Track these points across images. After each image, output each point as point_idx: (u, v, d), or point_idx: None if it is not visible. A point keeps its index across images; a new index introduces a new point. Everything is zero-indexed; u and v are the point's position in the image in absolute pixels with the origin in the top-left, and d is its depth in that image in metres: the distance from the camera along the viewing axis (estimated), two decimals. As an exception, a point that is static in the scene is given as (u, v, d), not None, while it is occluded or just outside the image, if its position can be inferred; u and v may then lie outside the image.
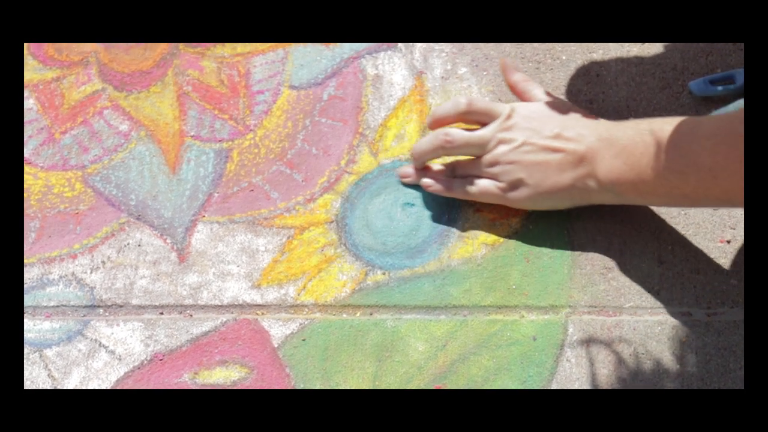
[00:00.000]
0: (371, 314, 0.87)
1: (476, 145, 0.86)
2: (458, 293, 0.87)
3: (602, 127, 0.83)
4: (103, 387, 0.85)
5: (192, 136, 0.96)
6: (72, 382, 0.85)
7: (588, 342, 0.83)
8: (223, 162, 0.95)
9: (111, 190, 0.94)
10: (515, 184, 0.84)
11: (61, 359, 0.86)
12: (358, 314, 0.87)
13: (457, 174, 0.90)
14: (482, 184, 0.86)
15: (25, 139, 0.97)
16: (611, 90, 0.95)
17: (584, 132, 0.83)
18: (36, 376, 0.86)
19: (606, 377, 0.82)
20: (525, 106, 0.87)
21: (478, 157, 0.87)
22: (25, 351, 0.87)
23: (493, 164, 0.85)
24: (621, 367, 0.82)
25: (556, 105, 0.86)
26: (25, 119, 0.98)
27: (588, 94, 0.95)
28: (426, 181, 0.89)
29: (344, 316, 0.87)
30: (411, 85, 0.98)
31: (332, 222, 0.91)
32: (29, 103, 0.99)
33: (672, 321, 0.83)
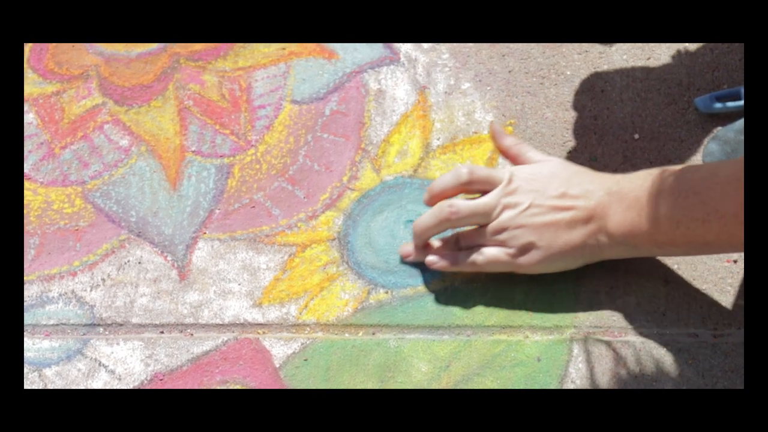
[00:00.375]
0: (374, 334, 0.87)
1: (482, 213, 0.84)
2: (462, 313, 0.86)
3: (610, 180, 0.82)
4: (103, 407, 0.85)
5: (193, 152, 0.96)
6: (71, 402, 0.85)
7: (593, 363, 0.83)
8: (224, 178, 0.94)
9: (111, 206, 0.94)
10: (525, 248, 0.83)
11: (60, 379, 0.86)
12: (360, 334, 0.87)
13: (462, 246, 0.87)
14: (490, 253, 0.84)
15: (24, 155, 0.97)
16: (616, 106, 0.94)
17: (591, 187, 0.82)
18: (35, 396, 0.85)
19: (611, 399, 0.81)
20: (523, 169, 0.85)
21: (483, 226, 0.85)
22: (24, 370, 0.86)
23: (500, 231, 0.83)
24: (626, 390, 0.82)
25: (556, 164, 0.85)
26: (25, 134, 0.98)
27: (592, 110, 0.94)
28: (431, 259, 0.87)
29: (346, 335, 0.87)
30: (414, 100, 0.97)
31: (334, 239, 0.91)
32: (29, 117, 0.99)
33: (678, 342, 0.83)
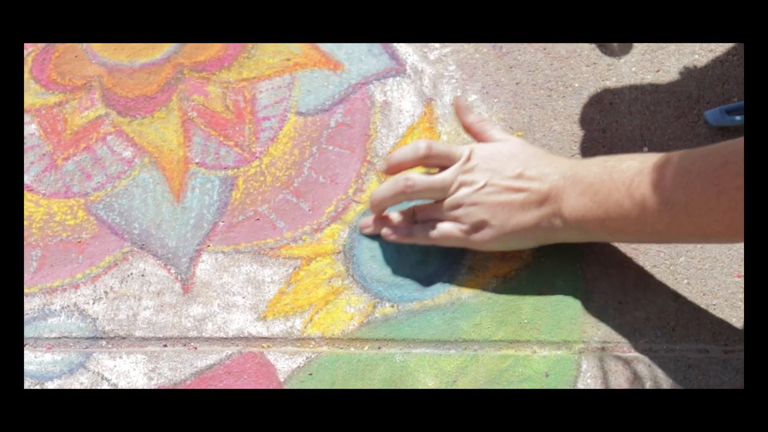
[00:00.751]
0: (379, 348, 0.86)
1: (438, 189, 0.86)
2: (469, 327, 0.86)
3: (566, 165, 0.83)
4: (105, 422, 0.85)
5: (197, 163, 0.96)
6: (73, 417, 0.85)
7: (602, 379, 0.83)
8: (228, 190, 0.95)
9: (114, 218, 0.94)
10: (478, 226, 0.84)
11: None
12: (366, 348, 0.87)
13: (417, 219, 0.89)
14: (444, 228, 0.86)
15: (27, 166, 0.97)
16: (625, 119, 0.95)
17: (547, 171, 0.83)
18: (36, 410, 0.85)
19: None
20: (483, 147, 0.87)
21: (439, 201, 0.87)
22: (27, 384, 0.86)
23: (455, 207, 0.85)
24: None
25: (515, 145, 0.86)
26: (27, 145, 0.98)
27: (601, 123, 0.95)
28: (385, 230, 0.89)
29: (352, 349, 0.87)
30: (420, 112, 0.97)
31: (340, 252, 0.91)
32: (31, 128, 0.99)
33: (688, 358, 0.83)
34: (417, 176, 0.86)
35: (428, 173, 0.87)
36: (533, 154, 0.85)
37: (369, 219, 0.91)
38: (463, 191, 0.84)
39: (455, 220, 0.85)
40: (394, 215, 0.91)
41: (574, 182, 0.81)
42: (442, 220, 0.87)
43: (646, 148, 0.92)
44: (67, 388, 0.86)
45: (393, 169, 0.88)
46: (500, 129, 0.90)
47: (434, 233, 0.87)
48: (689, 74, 0.96)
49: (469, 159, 0.85)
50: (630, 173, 0.77)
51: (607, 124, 0.94)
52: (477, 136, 0.90)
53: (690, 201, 0.73)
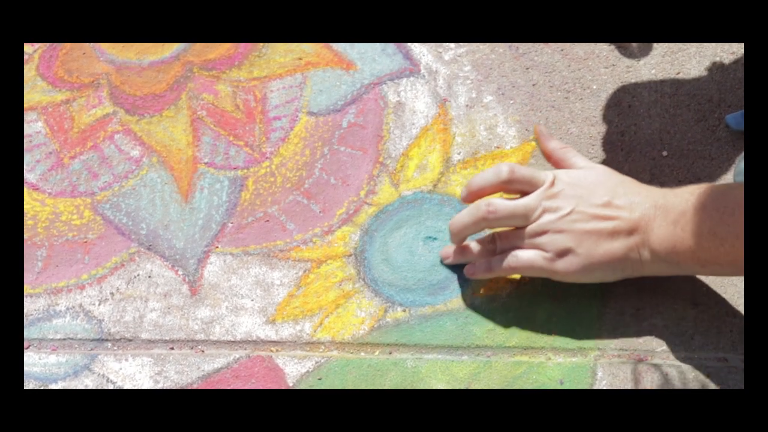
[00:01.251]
0: (390, 353, 0.86)
1: (521, 215, 0.83)
2: (482, 333, 0.86)
3: (657, 193, 0.81)
4: (110, 425, 0.85)
5: (206, 163, 0.96)
6: (77, 420, 0.85)
7: (618, 387, 0.83)
8: (237, 191, 0.95)
9: (121, 218, 0.94)
10: (563, 254, 0.82)
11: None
12: (376, 353, 0.87)
13: (498, 247, 0.86)
14: (527, 256, 0.84)
15: (33, 164, 0.97)
16: (644, 122, 0.94)
17: (636, 199, 0.81)
18: (40, 413, 0.85)
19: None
20: (568, 173, 0.85)
21: (521, 228, 0.84)
22: (31, 386, 0.87)
23: (539, 234, 0.83)
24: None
25: (602, 172, 0.85)
26: (34, 143, 0.98)
27: (619, 126, 0.94)
28: (468, 270, 0.88)
29: (362, 354, 0.87)
30: (434, 113, 0.97)
31: (351, 255, 0.91)
32: (38, 126, 0.99)
33: (707, 367, 0.82)
34: (499, 201, 0.84)
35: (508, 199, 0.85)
36: (620, 181, 0.83)
37: (449, 249, 0.89)
38: (547, 217, 0.82)
39: (538, 247, 0.83)
40: (474, 244, 0.88)
41: (666, 211, 0.79)
42: (523, 248, 0.84)
43: (665, 152, 0.92)
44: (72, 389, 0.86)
45: (473, 196, 0.86)
46: (584, 157, 0.88)
47: (516, 262, 0.84)
48: (710, 77, 0.96)
49: (553, 184, 0.83)
50: (725, 199, 0.75)
51: (626, 127, 0.94)
52: (558, 164, 0.89)
53: None
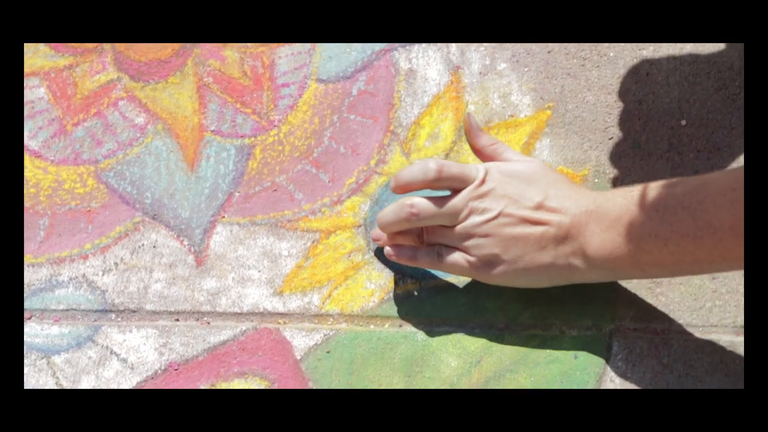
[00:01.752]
0: (400, 326, 0.86)
1: (446, 215, 0.82)
2: (494, 306, 0.86)
3: (588, 198, 0.79)
4: (114, 397, 0.85)
5: (212, 131, 0.95)
6: (81, 392, 0.85)
7: (633, 362, 0.82)
8: (244, 159, 0.94)
9: (125, 187, 0.93)
10: (488, 260, 0.81)
11: (69, 367, 0.86)
12: (386, 326, 0.86)
13: (425, 241, 0.86)
14: (451, 258, 0.83)
15: (35, 131, 0.96)
16: (662, 90, 0.93)
17: (567, 204, 0.79)
18: (43, 385, 0.85)
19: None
20: (500, 169, 0.83)
21: (448, 228, 0.83)
22: (32, 357, 0.86)
23: (465, 237, 0.81)
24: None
25: (536, 168, 0.83)
26: (36, 109, 0.98)
27: (637, 94, 0.93)
28: (389, 251, 0.86)
29: (372, 327, 0.86)
30: (447, 81, 0.96)
31: (360, 226, 0.91)
32: (40, 92, 0.98)
33: (725, 341, 0.82)
34: (422, 203, 0.82)
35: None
36: (555, 180, 0.82)
37: (380, 231, 0.87)
38: (474, 219, 0.81)
39: (464, 250, 0.82)
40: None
41: (599, 216, 0.77)
42: (449, 246, 0.83)
43: (683, 121, 0.91)
44: (75, 362, 0.86)
45: (400, 189, 0.84)
46: (517, 151, 0.87)
47: (439, 261, 0.83)
48: (731, 44, 0.94)
49: (483, 182, 0.81)
50: (662, 200, 0.73)
51: (644, 96, 0.93)
52: (491, 160, 0.87)
53: (737, 222, 0.69)
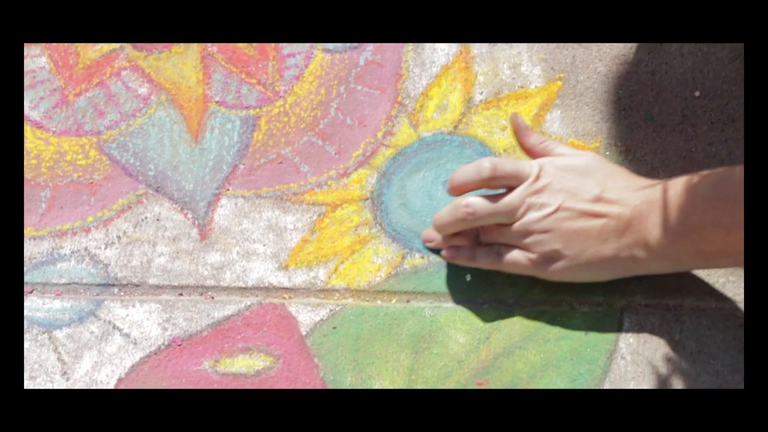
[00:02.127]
0: (408, 301, 0.85)
1: (503, 213, 0.81)
2: (503, 281, 0.85)
3: (646, 188, 0.78)
4: (117, 373, 0.84)
5: (217, 102, 0.95)
6: (83, 367, 0.85)
7: (645, 338, 0.82)
8: (249, 131, 0.93)
9: (128, 158, 0.93)
10: (549, 256, 0.80)
11: (71, 342, 0.86)
12: (393, 301, 0.86)
13: (482, 241, 0.85)
14: (511, 257, 0.82)
15: (36, 101, 0.96)
16: (675, 60, 0.92)
17: (627, 195, 0.78)
18: (44, 360, 0.85)
19: (664, 378, 0.80)
20: (554, 163, 0.82)
21: (506, 225, 0.82)
22: (34, 332, 0.86)
23: (524, 234, 0.80)
24: (681, 367, 0.80)
25: (591, 160, 0.82)
26: (37, 79, 0.97)
27: (649, 65, 0.92)
28: (447, 253, 0.85)
29: (378, 302, 0.86)
30: (456, 51, 0.95)
31: (367, 199, 0.90)
32: (41, 61, 0.97)
33: (739, 317, 0.81)
34: (478, 202, 0.81)
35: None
36: (611, 172, 0.81)
37: (432, 232, 0.87)
38: (532, 215, 0.80)
39: (524, 247, 0.81)
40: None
41: (659, 206, 0.76)
42: (508, 245, 0.82)
43: (697, 92, 0.90)
44: (77, 337, 0.86)
45: (456, 191, 0.84)
46: (567, 146, 0.86)
47: (499, 261, 0.82)
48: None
49: (538, 178, 0.80)
50: (722, 188, 0.72)
51: (657, 66, 0.92)
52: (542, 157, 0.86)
53: None
